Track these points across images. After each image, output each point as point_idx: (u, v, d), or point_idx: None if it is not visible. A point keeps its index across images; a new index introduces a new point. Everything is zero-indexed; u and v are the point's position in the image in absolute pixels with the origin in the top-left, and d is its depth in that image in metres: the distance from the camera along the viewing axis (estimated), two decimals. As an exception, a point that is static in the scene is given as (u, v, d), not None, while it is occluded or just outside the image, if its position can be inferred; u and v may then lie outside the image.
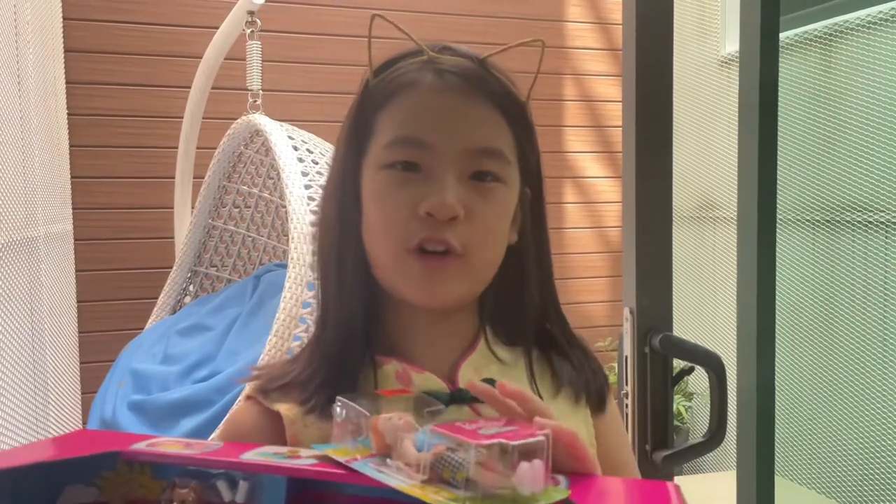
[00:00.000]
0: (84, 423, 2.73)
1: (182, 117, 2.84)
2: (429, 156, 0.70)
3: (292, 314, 1.89)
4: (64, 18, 2.91)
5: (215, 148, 2.65)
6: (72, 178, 2.95)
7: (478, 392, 0.63)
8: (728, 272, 3.07)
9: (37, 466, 0.58)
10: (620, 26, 1.71)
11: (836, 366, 2.56)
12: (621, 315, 1.46)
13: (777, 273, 1.31)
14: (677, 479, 1.40)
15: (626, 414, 1.43)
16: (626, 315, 1.44)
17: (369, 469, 0.53)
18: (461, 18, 3.59)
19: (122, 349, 2.45)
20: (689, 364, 1.42)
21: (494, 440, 0.51)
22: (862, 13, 2.49)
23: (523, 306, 0.77)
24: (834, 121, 2.57)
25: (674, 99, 1.45)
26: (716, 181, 3.22)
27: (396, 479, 0.52)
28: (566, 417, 0.74)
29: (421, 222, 0.69)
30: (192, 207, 2.78)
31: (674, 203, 1.46)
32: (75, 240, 2.95)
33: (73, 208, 2.98)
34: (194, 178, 2.90)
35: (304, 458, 0.57)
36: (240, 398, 1.79)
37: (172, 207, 2.97)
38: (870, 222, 2.45)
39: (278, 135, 2.22)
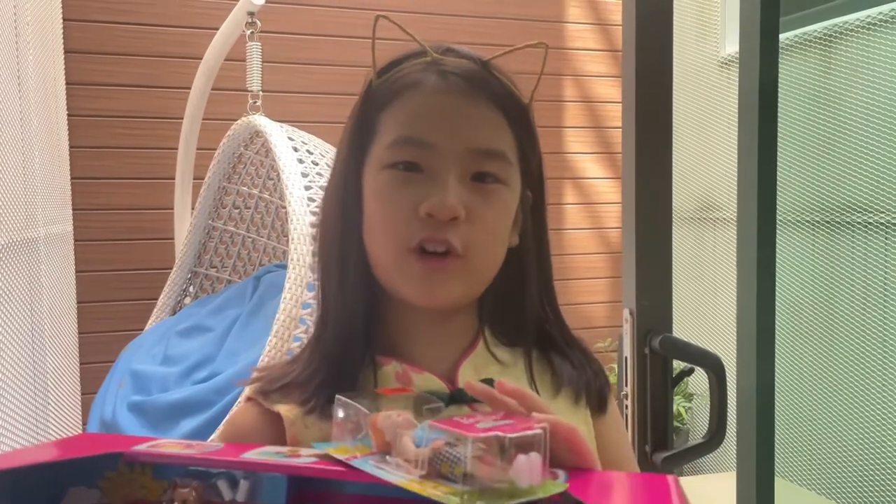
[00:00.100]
0: (84, 423, 2.73)
1: (182, 118, 2.84)
2: (430, 156, 0.70)
3: (292, 315, 1.89)
4: (64, 19, 2.91)
5: (215, 149, 2.65)
6: (72, 178, 2.95)
7: (476, 393, 0.63)
8: (728, 273, 3.07)
9: (39, 467, 0.59)
10: (620, 27, 1.71)
11: (836, 367, 2.55)
12: (621, 316, 1.46)
13: (777, 274, 1.31)
14: (677, 480, 1.40)
15: (626, 415, 1.43)
16: (625, 316, 1.44)
17: (369, 466, 0.53)
18: (462, 19, 3.59)
19: (122, 350, 2.45)
20: (689, 365, 1.42)
21: (491, 433, 0.51)
22: (862, 14, 2.49)
23: (523, 308, 0.77)
24: (834, 122, 2.57)
25: (674, 100, 1.46)
26: (716, 182, 3.21)
27: (395, 475, 0.52)
28: (566, 417, 0.74)
29: (422, 222, 0.69)
30: (192, 208, 2.78)
31: (674, 204, 1.46)
32: (75, 241, 2.95)
33: (73, 209, 2.98)
34: (194, 179, 2.90)
35: (305, 458, 0.57)
36: (240, 399, 1.79)
37: (172, 208, 2.98)
38: (869, 223, 2.45)
39: (278, 136, 2.22)
